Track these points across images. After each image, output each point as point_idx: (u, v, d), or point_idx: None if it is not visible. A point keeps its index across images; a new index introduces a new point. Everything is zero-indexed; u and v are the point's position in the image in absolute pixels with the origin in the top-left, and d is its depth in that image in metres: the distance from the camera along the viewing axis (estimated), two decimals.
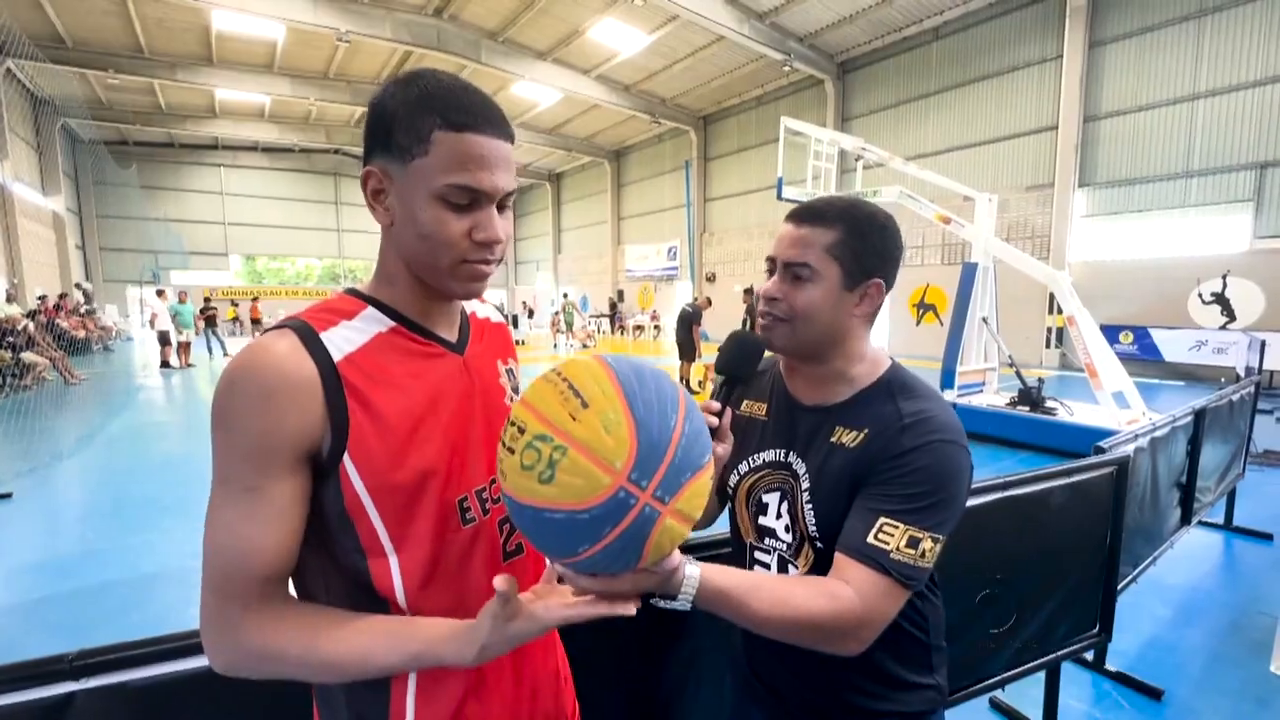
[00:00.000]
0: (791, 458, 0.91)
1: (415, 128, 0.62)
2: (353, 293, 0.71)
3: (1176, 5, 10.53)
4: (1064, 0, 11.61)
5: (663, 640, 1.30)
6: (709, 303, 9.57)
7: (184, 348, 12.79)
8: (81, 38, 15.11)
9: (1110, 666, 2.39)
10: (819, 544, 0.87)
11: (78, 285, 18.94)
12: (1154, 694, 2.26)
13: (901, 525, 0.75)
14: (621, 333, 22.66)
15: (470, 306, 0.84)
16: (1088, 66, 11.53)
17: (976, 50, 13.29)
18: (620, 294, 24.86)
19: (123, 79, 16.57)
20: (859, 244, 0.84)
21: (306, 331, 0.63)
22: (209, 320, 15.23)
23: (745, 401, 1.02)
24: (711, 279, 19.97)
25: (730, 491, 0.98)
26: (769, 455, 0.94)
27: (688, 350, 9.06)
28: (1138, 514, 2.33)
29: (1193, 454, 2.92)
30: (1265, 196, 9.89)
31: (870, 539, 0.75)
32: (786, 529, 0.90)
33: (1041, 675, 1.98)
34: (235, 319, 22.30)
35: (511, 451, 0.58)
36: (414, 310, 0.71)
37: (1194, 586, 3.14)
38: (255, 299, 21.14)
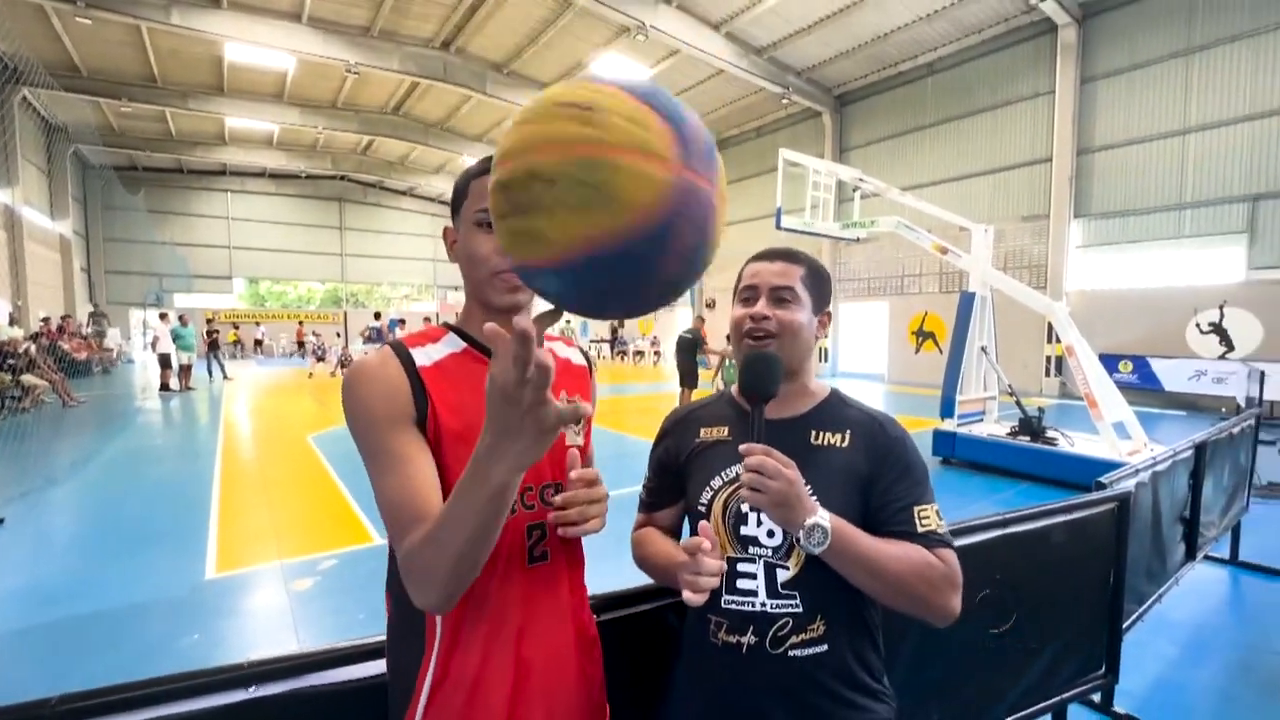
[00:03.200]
0: None
1: (462, 186, 0.88)
2: (444, 324, 0.92)
3: (1165, 43, 10.81)
4: (1055, 38, 11.93)
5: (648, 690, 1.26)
6: (702, 322, 9.64)
7: (184, 370, 12.79)
8: (96, 67, 15.47)
9: (1119, 708, 2.33)
10: None
11: (93, 310, 18.97)
12: None
13: (929, 506, 0.94)
14: (622, 358, 22.67)
15: (553, 345, 0.99)
16: (1080, 101, 11.79)
17: (971, 85, 13.60)
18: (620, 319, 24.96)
19: (135, 107, 16.90)
20: (818, 280, 1.04)
21: (398, 346, 0.85)
22: (212, 343, 15.26)
23: (703, 429, 1.09)
24: (712, 305, 20.08)
25: (703, 510, 1.01)
26: (741, 469, 0.96)
27: (689, 377, 9.04)
28: (1141, 550, 2.30)
29: (1195, 488, 2.89)
30: (1259, 228, 10.01)
31: (920, 528, 0.92)
32: (770, 534, 0.96)
33: (1048, 718, 1.93)
34: (236, 342, 22.46)
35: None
36: (483, 335, 0.87)
37: (1201, 624, 3.08)
38: (257, 322, 21.50)
